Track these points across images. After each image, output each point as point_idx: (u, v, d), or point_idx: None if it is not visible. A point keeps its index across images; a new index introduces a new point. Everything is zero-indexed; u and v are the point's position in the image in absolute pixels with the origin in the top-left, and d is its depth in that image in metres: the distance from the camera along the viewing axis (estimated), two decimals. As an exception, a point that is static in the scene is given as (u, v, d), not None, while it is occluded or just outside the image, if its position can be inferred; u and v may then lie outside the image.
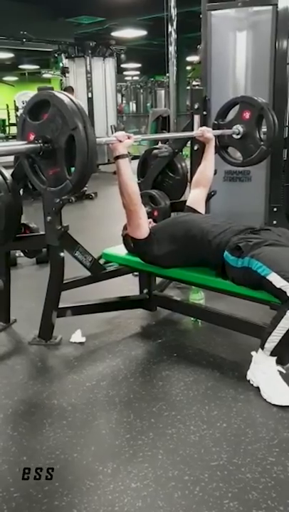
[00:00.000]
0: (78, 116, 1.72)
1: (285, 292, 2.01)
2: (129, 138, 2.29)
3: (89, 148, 1.72)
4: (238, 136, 3.04)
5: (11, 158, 2.93)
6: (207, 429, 1.95)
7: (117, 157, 2.28)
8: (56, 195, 1.91)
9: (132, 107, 18.78)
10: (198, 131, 2.89)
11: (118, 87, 16.09)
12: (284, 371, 2.16)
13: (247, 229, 2.35)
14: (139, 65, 18.13)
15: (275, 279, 2.04)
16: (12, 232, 2.59)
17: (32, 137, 1.83)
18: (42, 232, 2.60)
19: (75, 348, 2.63)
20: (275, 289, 2.05)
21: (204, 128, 2.90)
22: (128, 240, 2.61)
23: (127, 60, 11.49)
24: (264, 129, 3.04)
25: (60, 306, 2.66)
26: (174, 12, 4.39)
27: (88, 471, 1.74)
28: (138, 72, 20.27)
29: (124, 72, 19.37)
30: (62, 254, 2.52)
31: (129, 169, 2.32)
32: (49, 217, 2.42)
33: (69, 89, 8.45)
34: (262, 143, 2.99)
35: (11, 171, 2.61)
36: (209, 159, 2.90)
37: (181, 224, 2.52)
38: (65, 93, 1.82)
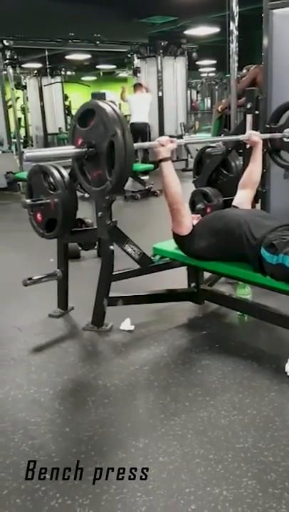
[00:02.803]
0: (118, 124, 1.86)
1: None
2: (172, 142, 2.40)
3: (126, 152, 1.86)
4: None
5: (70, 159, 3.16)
6: (237, 415, 2.05)
7: (160, 160, 2.40)
8: (99, 194, 2.07)
9: (207, 103, 18.68)
10: (246, 134, 2.93)
11: (193, 84, 16.11)
12: None
13: (284, 225, 2.39)
14: (214, 62, 18.02)
15: None
16: (68, 226, 2.81)
17: (80, 142, 2.00)
18: (95, 227, 2.81)
19: (123, 335, 2.82)
20: None
21: (252, 131, 2.95)
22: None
23: (202, 57, 11.50)
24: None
25: (113, 295, 2.86)
26: (235, 10, 4.41)
27: (122, 444, 1.91)
28: (214, 69, 20.13)
29: (200, 69, 19.32)
30: (111, 247, 2.71)
31: (171, 171, 2.43)
32: (100, 213, 2.62)
33: (137, 86, 8.63)
34: None
35: (69, 170, 2.84)
36: (256, 162, 2.92)
37: (220, 218, 2.59)
38: (109, 102, 1.95)
